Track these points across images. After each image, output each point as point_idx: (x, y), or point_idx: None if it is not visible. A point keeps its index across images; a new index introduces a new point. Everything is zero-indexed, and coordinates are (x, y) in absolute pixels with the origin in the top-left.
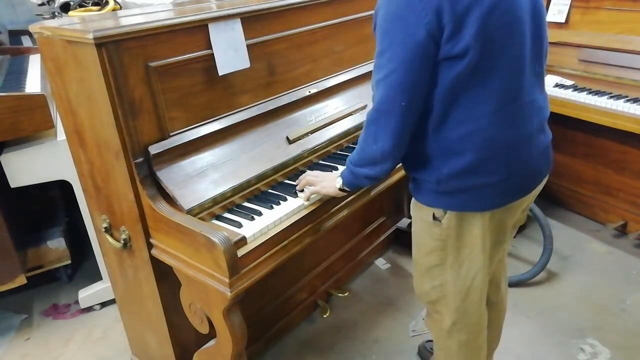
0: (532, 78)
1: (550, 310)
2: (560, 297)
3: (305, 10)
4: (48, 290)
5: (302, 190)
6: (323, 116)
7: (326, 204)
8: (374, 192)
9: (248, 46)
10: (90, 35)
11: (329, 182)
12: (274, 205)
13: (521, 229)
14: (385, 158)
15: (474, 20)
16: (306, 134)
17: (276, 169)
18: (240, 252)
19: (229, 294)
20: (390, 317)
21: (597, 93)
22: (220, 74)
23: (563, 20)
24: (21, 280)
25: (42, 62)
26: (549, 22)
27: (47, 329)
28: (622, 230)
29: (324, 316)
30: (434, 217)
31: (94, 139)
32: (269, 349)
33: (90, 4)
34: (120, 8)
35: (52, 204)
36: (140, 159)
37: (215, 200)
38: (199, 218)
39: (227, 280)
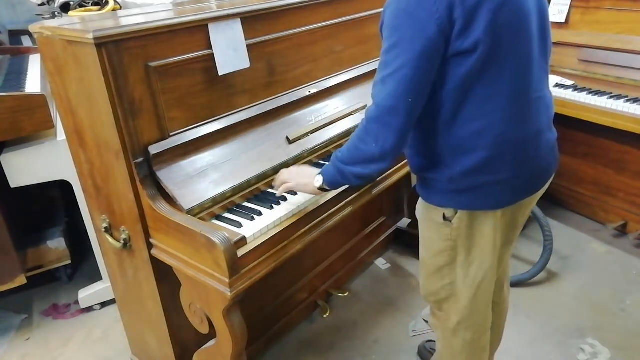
0: (539, 74)
1: (550, 310)
2: (560, 297)
3: (305, 11)
4: (48, 290)
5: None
6: (323, 116)
7: (326, 203)
8: (375, 191)
9: (248, 46)
10: (91, 35)
11: (306, 179)
12: (274, 205)
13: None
14: (384, 157)
15: (484, 14)
16: (306, 134)
17: (276, 169)
18: (240, 252)
19: (229, 294)
20: (390, 317)
21: (597, 93)
22: (220, 74)
23: (563, 20)
24: (21, 280)
25: (42, 62)
26: None
27: (47, 329)
28: (622, 230)
29: (324, 316)
30: (445, 218)
31: (94, 139)
32: (269, 348)
33: (90, 4)
34: (120, 8)
35: (52, 204)
36: (140, 159)
37: (215, 200)
38: (199, 218)
39: (227, 280)
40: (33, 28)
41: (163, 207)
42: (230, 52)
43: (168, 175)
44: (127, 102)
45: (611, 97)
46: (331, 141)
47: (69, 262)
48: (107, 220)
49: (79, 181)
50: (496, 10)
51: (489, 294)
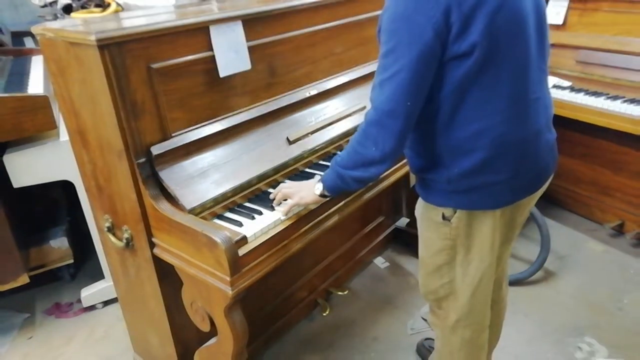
0: (537, 76)
1: (548, 309)
2: (557, 296)
3: (306, 13)
4: (50, 289)
5: (279, 204)
6: (323, 117)
7: (326, 203)
8: (374, 191)
9: (249, 48)
10: (93, 37)
11: (307, 190)
12: (274, 205)
13: None
14: (384, 160)
15: (481, 18)
16: (306, 135)
17: (277, 169)
18: (242, 251)
19: (230, 292)
20: (389, 315)
21: (595, 94)
22: (221, 75)
23: (561, 22)
24: (24, 279)
25: (45, 64)
26: None
27: (49, 327)
28: (619, 230)
29: (324, 314)
30: (444, 217)
31: (97, 139)
32: (270, 346)
33: (92, 6)
34: (123, 10)
35: (54, 204)
36: (143, 159)
37: (216, 200)
38: (200, 217)
39: (228, 278)
40: (35, 29)
41: (165, 207)
42: (231, 54)
43: (170, 176)
44: (130, 103)
45: (608, 98)
46: (331, 142)
47: (72, 261)
48: (110, 220)
49: (82, 181)
50: (493, 14)
51: (488, 293)
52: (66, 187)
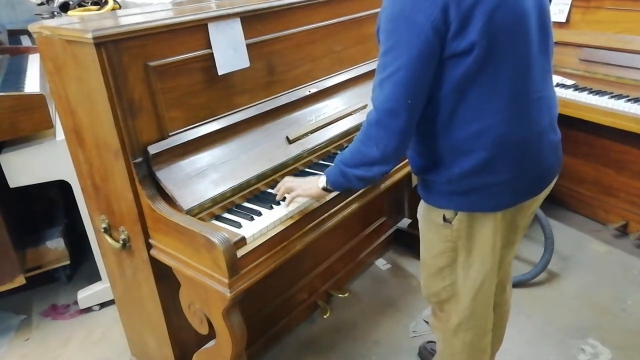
0: (540, 75)
1: (551, 311)
2: (561, 298)
3: (305, 10)
4: (47, 290)
5: (284, 199)
6: (323, 116)
7: (326, 203)
8: (374, 192)
9: (247, 46)
10: (90, 35)
11: (310, 183)
12: (273, 206)
13: None
14: (386, 160)
15: (479, 16)
16: (306, 134)
17: (276, 169)
18: (240, 253)
19: (229, 294)
20: (390, 318)
21: (598, 93)
22: (219, 73)
23: (564, 20)
24: (20, 280)
25: (41, 62)
26: None
27: (46, 329)
28: (623, 231)
29: (324, 317)
30: (444, 219)
31: (93, 138)
32: (269, 349)
33: (89, 4)
34: (120, 7)
35: (51, 204)
36: (140, 159)
37: (214, 201)
38: (198, 218)
39: (226, 280)
40: (32, 28)
41: (162, 208)
42: (229, 51)
43: (167, 175)
44: (127, 102)
45: (612, 96)
46: (331, 141)
47: (68, 262)
48: (106, 221)
49: (78, 181)
50: (492, 12)
51: (490, 296)
52: (63, 187)
